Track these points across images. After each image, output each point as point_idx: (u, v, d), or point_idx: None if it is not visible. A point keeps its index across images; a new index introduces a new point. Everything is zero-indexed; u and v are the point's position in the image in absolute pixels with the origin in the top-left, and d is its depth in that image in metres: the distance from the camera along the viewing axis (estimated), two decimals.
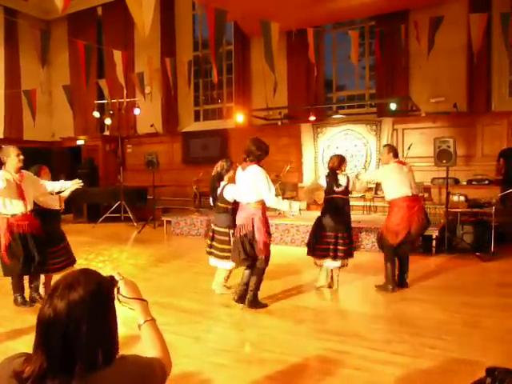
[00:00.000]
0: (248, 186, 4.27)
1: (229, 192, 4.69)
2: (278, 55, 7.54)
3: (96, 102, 12.88)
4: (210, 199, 5.03)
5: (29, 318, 3.82)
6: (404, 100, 9.01)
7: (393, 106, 8.71)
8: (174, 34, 12.50)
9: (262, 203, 4.28)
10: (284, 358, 3.26)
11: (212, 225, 4.99)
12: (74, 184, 4.60)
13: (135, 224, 10.13)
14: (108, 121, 11.81)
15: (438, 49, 8.15)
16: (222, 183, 4.81)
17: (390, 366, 3.10)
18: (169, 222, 9.64)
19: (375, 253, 6.76)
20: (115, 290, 1.39)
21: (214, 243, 4.84)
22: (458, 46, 8.83)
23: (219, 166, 4.87)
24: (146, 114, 11.93)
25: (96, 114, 12.21)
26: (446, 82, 9.09)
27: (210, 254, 4.91)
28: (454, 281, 5.42)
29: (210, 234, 4.96)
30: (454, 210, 7.25)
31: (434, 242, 6.97)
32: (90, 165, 12.74)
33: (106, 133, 13.55)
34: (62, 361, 1.10)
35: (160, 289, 5.20)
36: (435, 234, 6.95)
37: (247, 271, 4.47)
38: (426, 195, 8.82)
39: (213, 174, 4.90)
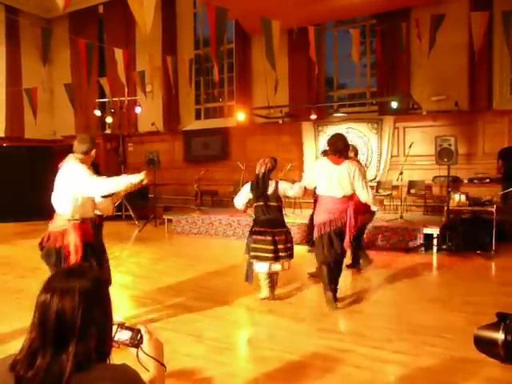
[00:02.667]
0: (345, 179, 4.27)
1: (287, 186, 4.56)
2: (279, 53, 7.55)
3: (97, 100, 12.93)
4: (236, 199, 4.74)
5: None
6: (405, 98, 9.00)
7: (394, 105, 8.71)
8: (175, 32, 12.50)
9: (353, 196, 4.37)
10: (284, 356, 3.26)
11: (266, 229, 4.47)
12: (141, 178, 3.44)
13: (136, 222, 10.14)
14: (109, 119, 11.84)
15: (439, 47, 8.13)
16: (271, 182, 4.54)
17: (390, 365, 3.10)
18: (170, 221, 9.65)
19: (376, 251, 6.78)
20: (137, 343, 1.35)
21: (280, 246, 4.45)
22: (460, 44, 8.81)
23: (269, 163, 4.56)
24: (147, 112, 11.94)
25: (97, 113, 12.25)
26: (447, 81, 9.08)
27: (277, 259, 4.44)
28: (455, 279, 5.41)
29: (268, 238, 4.43)
30: (455, 208, 7.24)
31: (435, 241, 6.96)
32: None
33: (107, 131, 13.56)
34: (56, 337, 1.13)
35: (161, 287, 5.21)
36: (436, 232, 6.95)
37: (325, 267, 4.33)
38: (426, 193, 8.84)
39: (263, 171, 4.54)
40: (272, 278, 4.62)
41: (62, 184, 3.35)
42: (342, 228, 4.26)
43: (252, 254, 4.51)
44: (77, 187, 3.28)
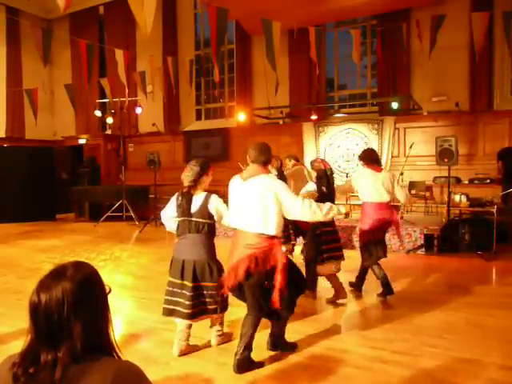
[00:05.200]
0: (389, 185, 4.65)
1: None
2: (279, 54, 7.55)
3: (98, 100, 12.94)
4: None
5: None
6: (406, 99, 9.00)
7: (394, 105, 8.70)
8: (175, 32, 12.52)
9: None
10: (285, 356, 3.26)
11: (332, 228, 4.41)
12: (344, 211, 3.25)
13: (137, 223, 10.14)
14: (110, 120, 11.82)
15: (439, 47, 8.13)
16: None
17: (391, 365, 3.09)
18: None
19: None
20: None
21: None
22: (460, 44, 8.81)
23: (327, 163, 4.50)
24: (148, 112, 11.94)
25: (98, 113, 12.24)
26: (447, 81, 9.08)
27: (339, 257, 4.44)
28: (456, 280, 5.40)
29: (333, 237, 4.39)
30: (455, 208, 7.23)
31: (435, 241, 6.95)
32: (91, 164, 12.75)
33: (108, 132, 13.58)
34: (50, 341, 1.16)
35: (161, 288, 5.16)
36: (437, 233, 6.94)
37: (377, 267, 4.64)
38: (427, 194, 8.83)
39: (329, 167, 4.42)
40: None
41: (262, 200, 2.97)
42: (388, 229, 4.74)
43: (325, 255, 4.35)
44: (285, 206, 2.99)
